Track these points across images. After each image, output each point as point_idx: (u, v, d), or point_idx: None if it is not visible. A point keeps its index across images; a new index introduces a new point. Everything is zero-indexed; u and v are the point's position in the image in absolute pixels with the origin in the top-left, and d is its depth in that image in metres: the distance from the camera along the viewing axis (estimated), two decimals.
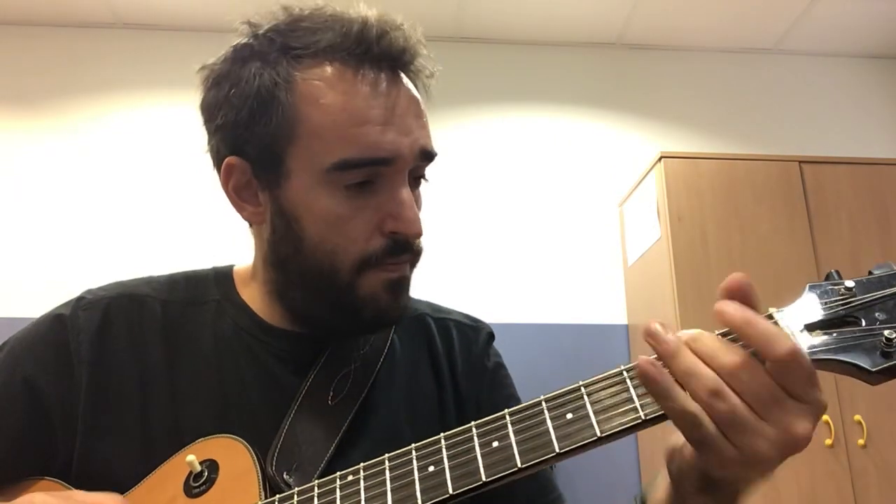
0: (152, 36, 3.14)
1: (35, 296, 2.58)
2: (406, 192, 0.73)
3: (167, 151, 2.95)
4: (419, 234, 0.74)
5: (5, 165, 2.93)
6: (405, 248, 0.73)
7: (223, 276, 0.84)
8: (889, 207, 2.64)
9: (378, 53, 0.72)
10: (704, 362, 0.53)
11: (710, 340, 0.54)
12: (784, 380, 0.51)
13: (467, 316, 0.93)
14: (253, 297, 0.81)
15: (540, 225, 3.04)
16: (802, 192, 2.62)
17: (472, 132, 3.16)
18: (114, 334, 0.76)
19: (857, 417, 2.36)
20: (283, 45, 0.72)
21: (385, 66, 0.73)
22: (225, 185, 0.77)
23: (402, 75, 0.75)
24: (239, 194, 0.76)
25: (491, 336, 0.92)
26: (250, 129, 0.72)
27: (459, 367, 0.86)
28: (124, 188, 2.93)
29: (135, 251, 2.80)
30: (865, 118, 3.37)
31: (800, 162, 2.68)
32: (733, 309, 0.53)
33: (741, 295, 0.55)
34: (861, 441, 2.35)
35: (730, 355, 0.52)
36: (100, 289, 0.80)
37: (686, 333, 0.55)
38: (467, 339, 0.89)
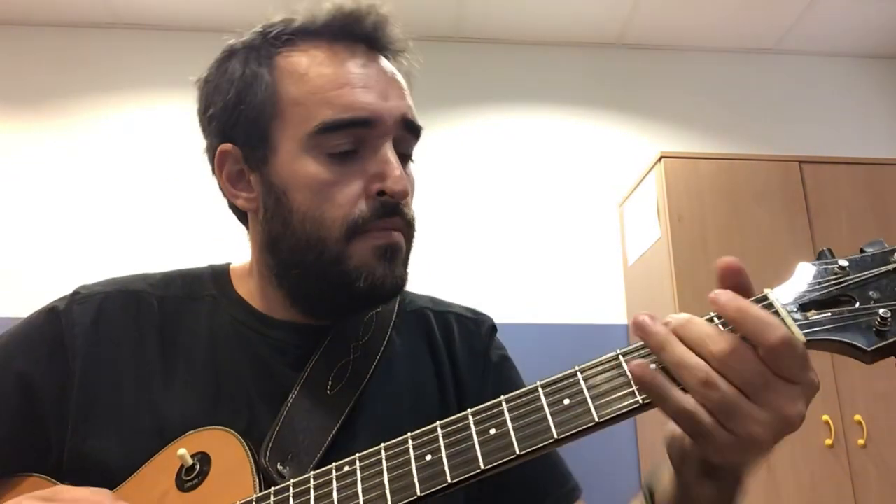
0: (152, 36, 3.14)
1: (32, 295, 2.57)
2: (391, 153, 0.73)
3: (166, 151, 2.95)
4: (405, 193, 0.73)
5: (4, 165, 2.93)
6: (393, 211, 0.73)
7: (219, 274, 0.85)
8: (889, 207, 2.64)
9: (351, 32, 0.76)
10: (694, 350, 0.53)
11: (699, 327, 0.54)
12: (776, 365, 0.52)
13: (469, 309, 0.93)
14: (250, 292, 0.82)
15: (540, 225, 3.04)
16: (802, 192, 2.62)
17: (472, 132, 3.16)
18: (108, 327, 0.76)
19: (857, 417, 2.36)
20: (265, 34, 0.77)
21: (361, 44, 0.76)
22: (219, 175, 0.79)
23: (381, 56, 0.78)
24: (233, 183, 0.78)
25: (493, 328, 0.91)
26: (238, 109, 0.76)
27: (460, 360, 0.85)
28: (123, 188, 2.93)
29: (132, 251, 2.80)
30: (865, 118, 3.36)
31: (800, 162, 2.67)
32: (725, 298, 0.54)
33: (733, 279, 0.55)
34: (861, 441, 2.34)
35: (719, 343, 0.52)
36: (95, 284, 0.81)
37: (676, 319, 0.55)
38: (468, 332, 0.88)
